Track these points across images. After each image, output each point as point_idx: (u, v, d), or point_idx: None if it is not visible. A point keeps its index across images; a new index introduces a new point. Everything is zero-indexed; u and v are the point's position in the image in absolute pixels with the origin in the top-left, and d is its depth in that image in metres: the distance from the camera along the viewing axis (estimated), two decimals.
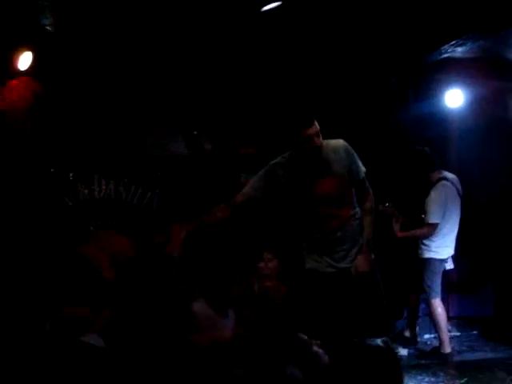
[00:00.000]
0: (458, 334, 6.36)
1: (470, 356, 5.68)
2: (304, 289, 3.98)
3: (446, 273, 5.69)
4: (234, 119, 5.63)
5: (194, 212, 5.48)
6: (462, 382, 4.84)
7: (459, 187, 5.63)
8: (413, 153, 5.68)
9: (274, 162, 4.01)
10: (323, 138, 3.86)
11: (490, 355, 5.67)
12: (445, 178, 5.58)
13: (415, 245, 5.59)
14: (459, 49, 5.27)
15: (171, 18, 4.62)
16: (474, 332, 6.41)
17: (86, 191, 5.47)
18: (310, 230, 4.04)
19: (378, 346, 2.08)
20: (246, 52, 5.16)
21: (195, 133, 5.62)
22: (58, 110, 5.21)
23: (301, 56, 5.32)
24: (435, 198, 5.48)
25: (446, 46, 5.19)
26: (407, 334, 5.93)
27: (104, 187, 5.51)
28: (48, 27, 4.62)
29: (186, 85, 5.42)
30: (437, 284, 5.48)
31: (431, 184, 5.56)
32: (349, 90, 5.51)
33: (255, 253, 4.50)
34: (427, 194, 5.53)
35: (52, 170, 5.32)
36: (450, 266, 5.65)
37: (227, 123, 5.63)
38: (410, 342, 5.77)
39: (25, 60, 4.74)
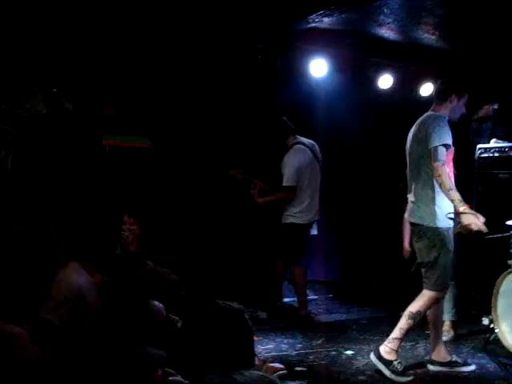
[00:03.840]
0: (316, 297, 6.61)
1: (326, 318, 5.94)
2: None
3: (310, 238, 5.80)
4: (94, 78, 5.37)
5: (52, 173, 5.23)
6: (319, 342, 5.03)
7: (317, 152, 5.76)
8: (268, 119, 5.75)
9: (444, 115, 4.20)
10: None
11: (344, 317, 5.96)
12: (300, 143, 5.70)
13: (280, 211, 5.69)
14: (326, 19, 5.35)
15: None
16: (330, 295, 6.70)
17: None
18: None
19: (233, 307, 2.08)
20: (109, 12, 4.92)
21: (54, 90, 5.29)
22: None
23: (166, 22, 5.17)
24: (289, 161, 5.60)
25: (313, 16, 5.24)
26: (270, 298, 6.04)
27: None
28: None
29: (44, 39, 5.08)
30: (298, 249, 5.62)
31: (287, 149, 5.67)
32: (212, 56, 5.45)
33: (115, 215, 4.35)
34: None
35: None
36: (314, 231, 5.79)
37: (88, 82, 5.36)
38: (271, 306, 5.88)
39: None
